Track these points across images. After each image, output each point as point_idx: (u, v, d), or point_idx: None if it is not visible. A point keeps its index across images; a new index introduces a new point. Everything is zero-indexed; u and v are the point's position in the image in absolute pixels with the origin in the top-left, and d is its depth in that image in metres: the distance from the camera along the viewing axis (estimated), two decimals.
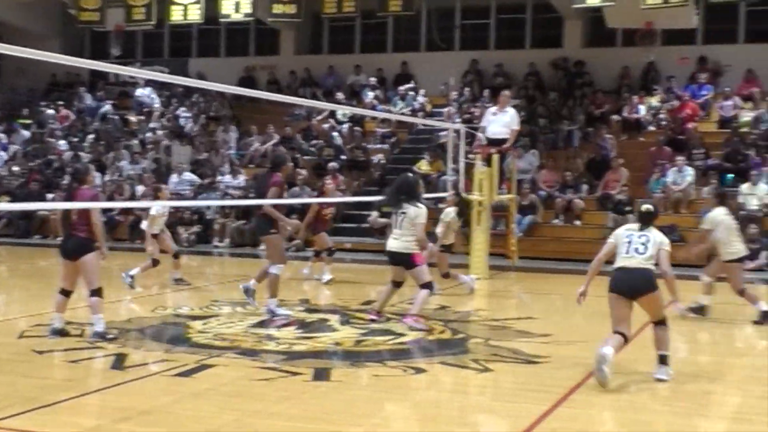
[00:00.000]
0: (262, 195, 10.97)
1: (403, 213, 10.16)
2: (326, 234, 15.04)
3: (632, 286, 7.61)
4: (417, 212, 10.13)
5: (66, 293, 9.19)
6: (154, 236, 13.85)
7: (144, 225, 13.98)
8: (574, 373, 7.84)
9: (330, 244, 14.98)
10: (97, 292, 9.09)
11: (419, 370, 8.04)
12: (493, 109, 16.33)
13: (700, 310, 11.06)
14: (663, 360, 7.67)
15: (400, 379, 7.77)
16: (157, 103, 26.70)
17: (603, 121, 22.04)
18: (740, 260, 10.98)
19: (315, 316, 10.94)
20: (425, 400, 7.27)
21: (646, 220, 7.91)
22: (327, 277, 14.66)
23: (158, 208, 13.49)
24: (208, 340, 9.25)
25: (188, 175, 22.28)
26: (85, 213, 9.02)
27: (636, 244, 7.71)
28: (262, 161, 23.19)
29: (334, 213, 15.68)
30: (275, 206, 10.82)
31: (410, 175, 12.18)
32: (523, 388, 7.55)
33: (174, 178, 22.11)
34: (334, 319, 10.68)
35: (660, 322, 7.74)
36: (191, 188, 21.86)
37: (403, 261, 10.28)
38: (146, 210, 14.29)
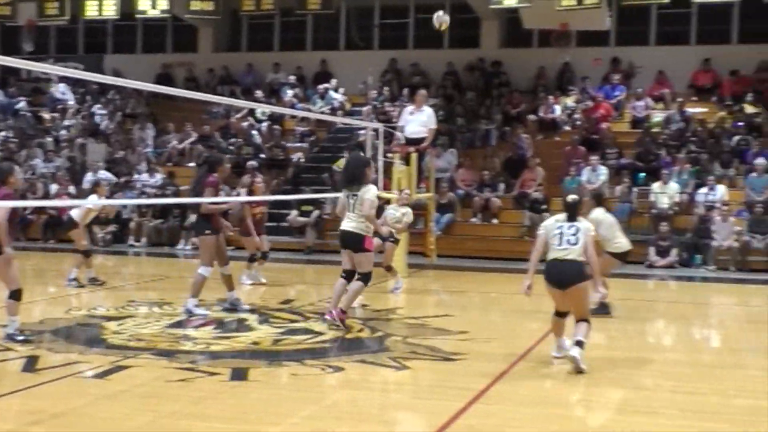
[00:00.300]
0: (197, 194, 10.89)
1: (355, 196, 9.86)
2: (262, 236, 14.25)
3: (563, 278, 7.90)
4: (365, 188, 9.90)
5: None
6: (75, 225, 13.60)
7: (75, 214, 13.51)
8: (491, 370, 7.94)
9: (266, 246, 14.36)
10: (14, 294, 8.83)
11: (337, 369, 8.05)
12: (410, 108, 16.39)
13: (604, 308, 11.17)
14: (579, 344, 7.84)
15: (318, 377, 7.77)
16: (71, 101, 26.18)
17: (519, 121, 22.36)
18: (625, 254, 11.20)
19: (233, 316, 10.86)
20: (343, 398, 7.28)
21: (573, 211, 8.20)
22: (248, 281, 14.15)
23: (95, 202, 13.30)
24: (124, 341, 9.11)
25: (103, 174, 21.89)
26: None
27: (567, 236, 8.01)
28: (180, 159, 22.95)
29: (265, 213, 14.93)
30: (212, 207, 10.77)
31: (361, 155, 12.13)
32: (441, 385, 7.62)
33: (89, 176, 21.68)
34: (252, 319, 10.62)
35: (583, 320, 7.93)
36: (107, 187, 21.44)
37: (355, 243, 9.89)
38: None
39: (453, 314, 11.36)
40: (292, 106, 23.46)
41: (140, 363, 8.13)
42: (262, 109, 23.33)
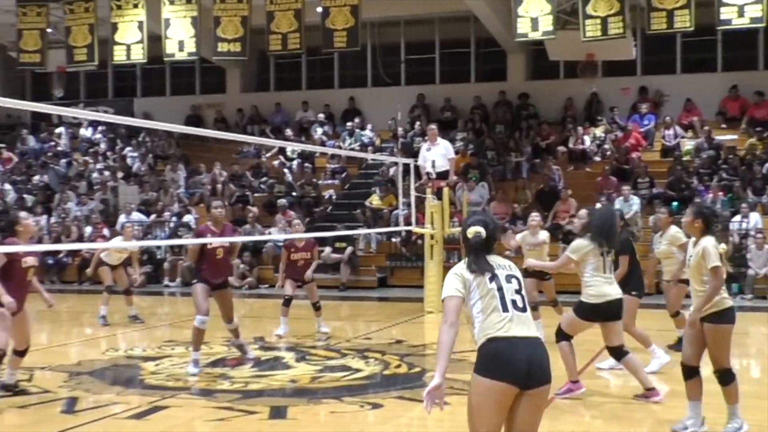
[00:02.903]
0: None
1: (608, 252, 8.27)
2: (309, 285, 12.83)
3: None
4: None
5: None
6: (111, 268, 14.11)
7: (104, 255, 14.08)
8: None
9: (289, 290, 12.68)
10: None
11: (376, 406, 7.98)
12: (426, 144, 16.48)
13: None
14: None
15: (357, 414, 7.71)
16: (103, 144, 26.53)
17: (549, 153, 22.29)
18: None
19: (270, 354, 10.83)
20: None
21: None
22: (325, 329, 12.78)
23: (121, 243, 13.54)
24: (161, 381, 9.11)
25: (137, 215, 22.07)
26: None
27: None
28: (212, 200, 23.07)
29: (309, 260, 12.83)
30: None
31: (609, 207, 11.06)
32: None
33: (122, 218, 21.87)
34: (289, 356, 10.59)
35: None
36: (140, 228, 21.64)
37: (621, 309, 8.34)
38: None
39: None
40: (323, 144, 23.58)
41: (178, 403, 8.13)
42: (293, 148, 23.47)
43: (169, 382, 9.06)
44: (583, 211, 9.83)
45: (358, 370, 9.66)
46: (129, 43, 21.70)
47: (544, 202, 20.39)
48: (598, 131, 22.59)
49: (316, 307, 12.71)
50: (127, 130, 26.88)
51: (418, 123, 23.68)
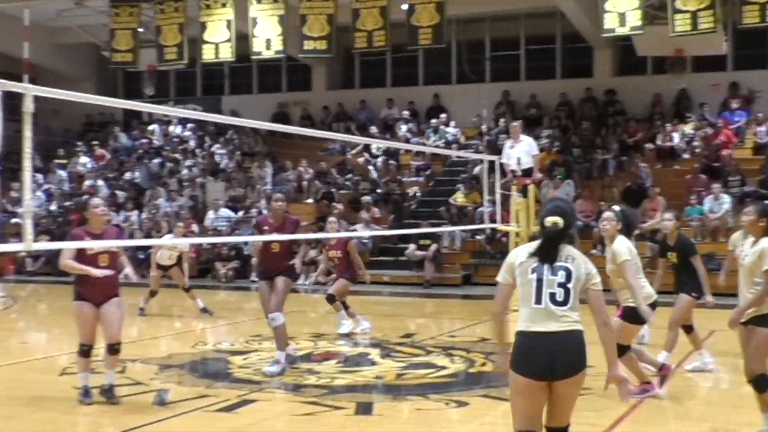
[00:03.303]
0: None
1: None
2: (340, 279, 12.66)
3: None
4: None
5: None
6: (163, 268, 14.67)
7: (161, 258, 14.63)
8: (617, 406, 7.73)
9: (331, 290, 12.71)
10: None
11: (462, 404, 7.98)
12: (509, 142, 16.37)
13: None
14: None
15: (442, 412, 7.72)
16: (192, 141, 27.06)
17: (637, 150, 21.94)
18: None
19: (356, 350, 10.92)
20: None
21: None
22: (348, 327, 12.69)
23: (170, 242, 13.85)
24: (249, 375, 9.26)
25: (224, 211, 22.44)
26: None
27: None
28: (298, 196, 23.36)
29: (339, 256, 12.57)
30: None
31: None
32: None
33: (210, 214, 22.28)
34: (374, 353, 10.65)
35: None
36: (228, 224, 22.00)
37: None
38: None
39: None
40: (407, 141, 23.63)
41: (266, 397, 8.25)
42: (378, 145, 23.59)
43: (257, 376, 9.20)
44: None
45: (442, 368, 9.67)
46: (217, 41, 22.06)
47: (631, 201, 20.05)
48: (688, 128, 22.14)
49: (345, 305, 12.57)
50: (215, 128, 27.34)
51: (502, 120, 23.54)
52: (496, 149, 20.51)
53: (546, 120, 23.65)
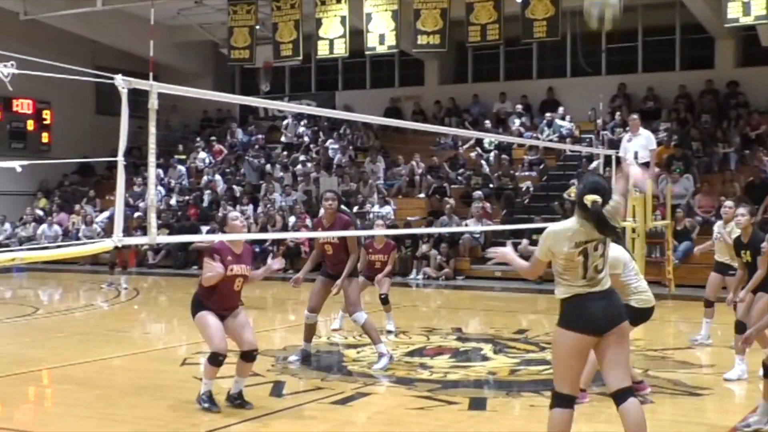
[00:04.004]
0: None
1: None
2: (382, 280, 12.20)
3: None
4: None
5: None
6: None
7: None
8: (741, 407, 7.52)
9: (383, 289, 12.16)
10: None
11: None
12: (627, 135, 16.02)
13: None
14: None
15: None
16: (306, 136, 27.43)
17: (760, 143, 21.23)
18: None
19: (468, 345, 10.88)
20: (582, 431, 7.10)
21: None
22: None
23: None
24: (363, 369, 9.32)
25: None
26: None
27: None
28: (410, 191, 23.43)
29: (383, 261, 12.13)
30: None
31: None
32: (685, 421, 7.29)
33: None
34: (487, 348, 10.60)
35: None
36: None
37: None
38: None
39: (695, 346, 10.87)
40: (520, 135, 23.42)
41: (380, 390, 8.30)
42: (490, 139, 23.45)
43: (370, 369, 9.25)
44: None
45: None
46: (332, 37, 22.31)
47: (754, 196, 19.39)
48: None
49: (385, 301, 12.09)
50: (329, 123, 27.64)
51: (618, 113, 23.10)
52: (612, 143, 20.15)
53: (664, 113, 23.09)
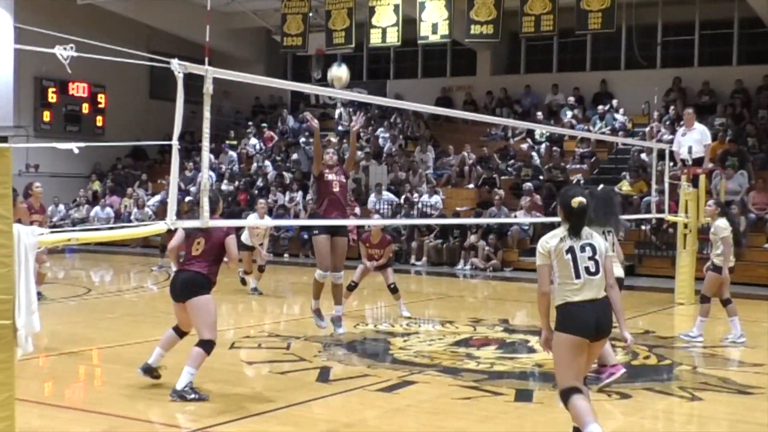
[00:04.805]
0: None
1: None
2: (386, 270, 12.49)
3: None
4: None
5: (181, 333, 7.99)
6: (250, 249, 14.78)
7: (245, 238, 14.61)
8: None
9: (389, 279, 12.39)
10: (205, 344, 7.51)
11: (624, 396, 7.81)
12: (682, 129, 15.82)
13: None
14: None
15: (603, 403, 7.56)
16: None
17: None
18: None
19: (515, 337, 10.85)
20: (629, 426, 7.05)
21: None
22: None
23: (255, 222, 14.03)
24: (410, 357, 9.34)
25: (386, 195, 22.68)
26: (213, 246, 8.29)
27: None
28: (459, 181, 23.36)
29: (380, 254, 12.48)
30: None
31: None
32: (734, 419, 7.22)
33: (372, 197, 22.57)
34: (534, 340, 10.55)
35: None
36: (389, 207, 22.24)
37: None
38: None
39: (746, 345, 10.73)
40: (572, 127, 23.23)
41: (426, 379, 8.30)
42: (541, 131, 23.31)
43: (417, 358, 9.28)
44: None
45: None
46: (385, 26, 22.33)
47: None
48: None
49: (394, 290, 12.31)
50: (380, 111, 27.64)
51: (672, 107, 22.82)
52: (666, 137, 19.94)
53: (719, 108, 22.77)
